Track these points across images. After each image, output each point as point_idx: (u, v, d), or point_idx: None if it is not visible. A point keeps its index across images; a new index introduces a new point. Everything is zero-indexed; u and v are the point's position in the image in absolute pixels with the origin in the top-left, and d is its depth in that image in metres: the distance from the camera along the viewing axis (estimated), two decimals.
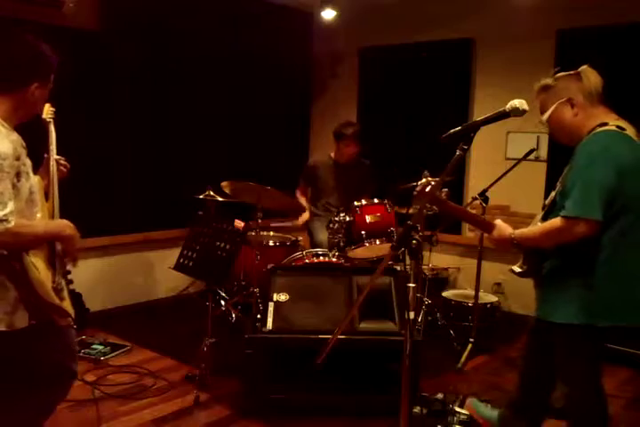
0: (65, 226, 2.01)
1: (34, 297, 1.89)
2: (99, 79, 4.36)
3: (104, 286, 4.60)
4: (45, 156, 2.23)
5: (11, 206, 1.78)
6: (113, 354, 3.74)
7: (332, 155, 4.56)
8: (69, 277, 2.32)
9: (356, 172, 4.53)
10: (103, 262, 4.62)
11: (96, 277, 4.50)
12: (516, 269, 2.33)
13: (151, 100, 4.71)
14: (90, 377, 3.42)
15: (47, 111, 2.28)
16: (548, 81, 2.26)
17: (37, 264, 1.90)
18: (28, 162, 1.96)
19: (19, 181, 1.87)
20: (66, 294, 2.09)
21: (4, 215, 1.76)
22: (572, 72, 2.23)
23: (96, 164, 4.39)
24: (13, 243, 1.81)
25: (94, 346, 3.80)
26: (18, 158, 1.86)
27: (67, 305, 2.05)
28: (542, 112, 2.28)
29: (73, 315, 2.08)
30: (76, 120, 4.19)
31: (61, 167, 2.27)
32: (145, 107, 4.68)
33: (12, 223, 1.77)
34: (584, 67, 2.22)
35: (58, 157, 2.26)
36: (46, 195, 2.15)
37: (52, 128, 2.28)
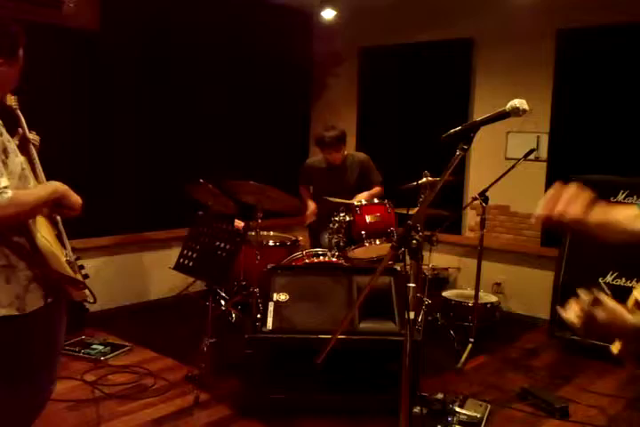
0: (56, 184, 2.00)
1: (48, 271, 1.88)
2: (99, 79, 4.34)
3: (104, 286, 4.58)
4: (17, 142, 2.18)
5: (5, 181, 1.76)
6: (113, 354, 3.75)
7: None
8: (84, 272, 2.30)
9: (351, 171, 4.49)
10: (103, 262, 4.62)
11: (96, 277, 4.48)
12: None
13: (151, 99, 4.70)
14: (90, 377, 3.42)
15: (11, 99, 2.23)
16: None
17: (47, 238, 1.90)
18: (10, 138, 1.93)
19: (7, 157, 1.85)
20: (77, 268, 2.09)
21: (2, 188, 1.73)
22: None
23: (96, 164, 4.39)
24: (18, 213, 1.79)
25: (94, 346, 3.81)
26: (1, 134, 1.83)
27: (79, 278, 2.06)
28: None
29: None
30: (77, 120, 4.20)
31: (35, 142, 2.23)
32: (145, 107, 4.68)
33: (10, 193, 1.75)
34: None
35: (30, 135, 2.23)
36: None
37: (19, 113, 2.23)
